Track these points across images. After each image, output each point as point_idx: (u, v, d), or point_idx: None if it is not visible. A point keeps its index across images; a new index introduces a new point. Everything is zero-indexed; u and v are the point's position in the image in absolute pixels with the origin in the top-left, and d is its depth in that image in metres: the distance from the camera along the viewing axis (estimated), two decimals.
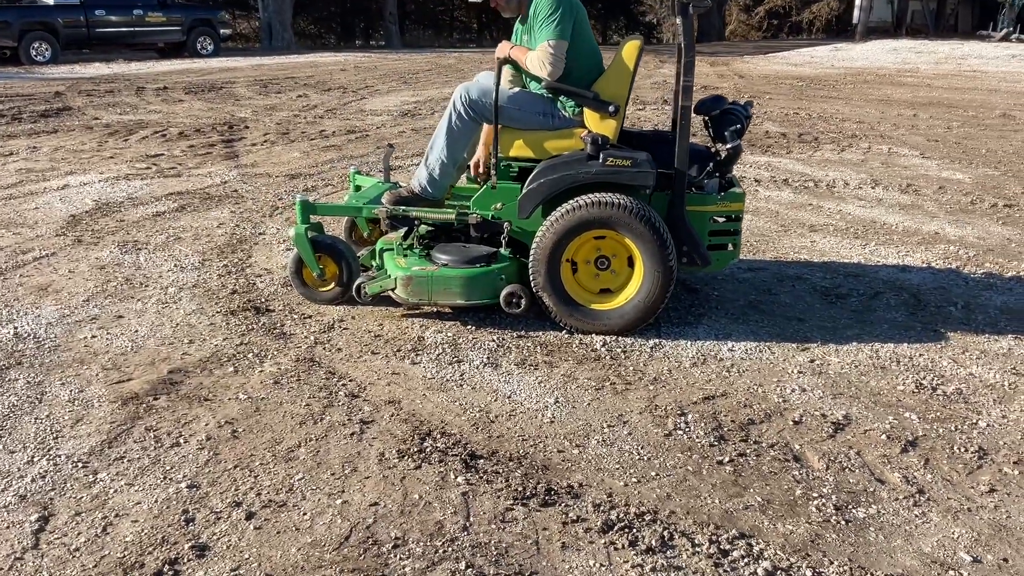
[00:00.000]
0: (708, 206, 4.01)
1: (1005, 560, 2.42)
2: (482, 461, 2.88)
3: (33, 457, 2.87)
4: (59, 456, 2.88)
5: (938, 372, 3.62)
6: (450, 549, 2.42)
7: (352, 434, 3.05)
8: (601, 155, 3.81)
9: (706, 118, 4.13)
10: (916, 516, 2.62)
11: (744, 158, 8.17)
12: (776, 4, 37.87)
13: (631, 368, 3.63)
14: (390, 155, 5.00)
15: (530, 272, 3.88)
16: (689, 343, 3.88)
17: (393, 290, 4.00)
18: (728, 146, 4.00)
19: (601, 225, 3.79)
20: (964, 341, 3.95)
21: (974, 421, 3.21)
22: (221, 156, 8.25)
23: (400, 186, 4.45)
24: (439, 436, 3.04)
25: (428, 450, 2.93)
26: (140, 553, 2.38)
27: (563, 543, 2.46)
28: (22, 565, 2.33)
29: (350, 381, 3.48)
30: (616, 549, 2.43)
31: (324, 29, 36.69)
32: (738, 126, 4.00)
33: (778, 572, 2.35)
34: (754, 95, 13.55)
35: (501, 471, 2.81)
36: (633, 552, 2.41)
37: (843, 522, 2.58)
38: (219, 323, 4.06)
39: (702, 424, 3.16)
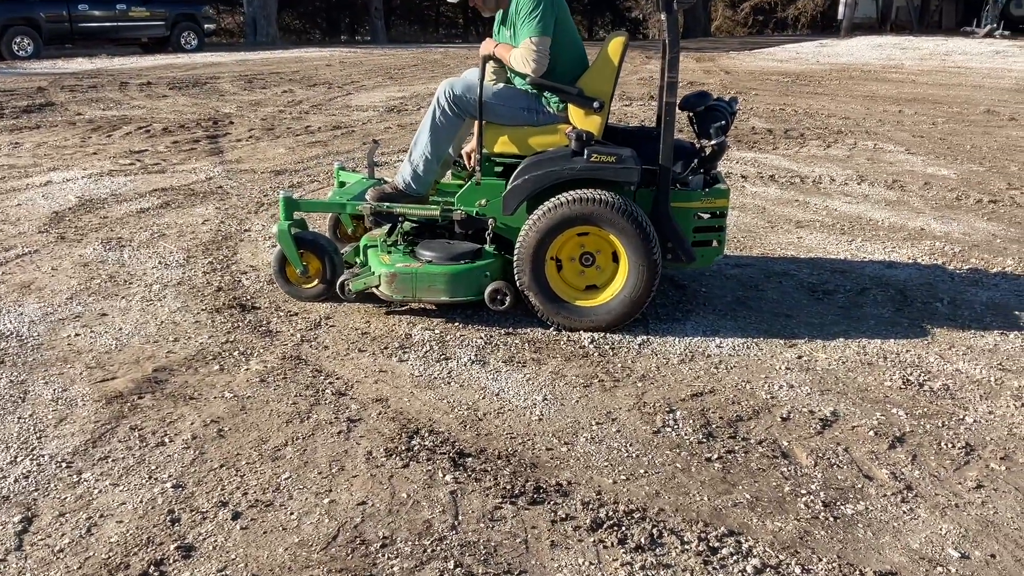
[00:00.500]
0: (693, 202, 4.01)
1: (992, 556, 2.42)
2: (470, 459, 2.87)
3: (16, 457, 2.84)
4: (43, 456, 2.84)
5: (925, 368, 3.63)
6: (438, 548, 2.41)
7: (339, 433, 3.03)
8: (586, 151, 3.80)
9: (691, 114, 4.13)
10: (904, 512, 2.62)
11: (731, 154, 8.18)
12: (761, 0, 37.96)
13: (619, 365, 3.62)
14: (375, 151, 4.98)
15: (515, 271, 3.87)
16: (677, 340, 3.88)
17: (377, 287, 3.98)
18: (713, 142, 4.00)
19: (583, 221, 3.78)
20: (950, 337, 3.96)
21: (961, 417, 3.22)
22: (206, 152, 8.20)
23: (384, 182, 4.43)
24: (427, 434, 3.02)
25: (416, 448, 2.92)
26: (125, 554, 2.35)
27: (552, 541, 2.45)
28: (5, 567, 2.30)
29: (337, 379, 3.45)
30: (605, 547, 2.42)
31: (309, 24, 36.51)
32: (723, 122, 4.01)
33: (767, 569, 2.34)
34: (740, 91, 13.58)
35: (489, 469, 2.80)
36: (622, 550, 2.41)
37: (831, 519, 2.58)
38: (204, 321, 4.03)
39: (690, 421, 3.15)
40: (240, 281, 4.57)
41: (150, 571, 2.29)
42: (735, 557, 2.39)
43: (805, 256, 5.15)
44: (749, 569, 2.34)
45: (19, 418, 3.09)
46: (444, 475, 2.76)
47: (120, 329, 3.93)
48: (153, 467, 2.79)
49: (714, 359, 3.70)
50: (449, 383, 3.44)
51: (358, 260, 4.30)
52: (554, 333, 3.91)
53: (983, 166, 7.83)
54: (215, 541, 2.42)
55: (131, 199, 6.28)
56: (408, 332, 3.91)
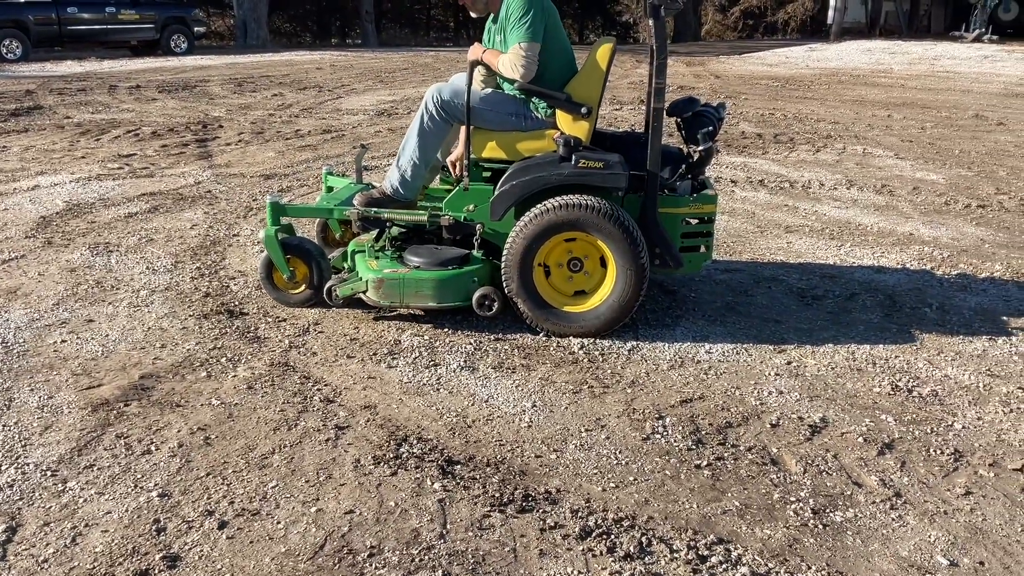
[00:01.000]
0: (680, 208, 4.01)
1: (981, 563, 2.42)
2: (459, 467, 2.85)
3: (0, 465, 2.81)
4: (27, 464, 2.82)
5: (914, 374, 3.64)
6: (427, 557, 2.39)
7: (327, 440, 3.01)
8: (573, 157, 3.80)
9: (679, 120, 4.14)
10: (893, 520, 2.62)
11: (720, 159, 8.20)
12: (751, 4, 38.06)
13: (609, 371, 3.62)
14: (363, 155, 4.96)
15: (503, 278, 3.86)
16: (666, 345, 3.88)
17: (365, 292, 3.96)
18: (700, 148, 4.01)
19: (570, 227, 3.78)
20: (939, 343, 3.97)
21: (950, 423, 3.22)
22: (195, 156, 8.17)
23: (372, 187, 4.42)
24: (415, 442, 3.01)
25: (404, 456, 2.90)
26: (110, 564, 2.33)
27: (541, 550, 2.44)
28: None
29: (325, 386, 3.44)
30: (594, 556, 2.41)
31: (300, 27, 36.50)
32: (710, 128, 4.01)
33: None
34: (730, 95, 13.61)
35: (478, 477, 2.79)
36: (611, 559, 2.40)
37: (821, 526, 2.58)
38: (192, 327, 4.01)
39: (680, 428, 3.15)
40: (228, 287, 4.55)
41: None
42: (724, 565, 2.39)
43: (794, 261, 5.16)
44: None
45: (4, 426, 3.07)
46: (432, 483, 2.74)
47: (107, 335, 3.90)
48: (139, 475, 2.77)
49: (703, 365, 3.69)
50: (438, 389, 3.43)
51: (346, 265, 4.29)
52: (543, 339, 3.90)
53: (971, 171, 7.86)
54: (201, 551, 2.41)
55: (119, 203, 6.25)
56: (397, 338, 3.89)
